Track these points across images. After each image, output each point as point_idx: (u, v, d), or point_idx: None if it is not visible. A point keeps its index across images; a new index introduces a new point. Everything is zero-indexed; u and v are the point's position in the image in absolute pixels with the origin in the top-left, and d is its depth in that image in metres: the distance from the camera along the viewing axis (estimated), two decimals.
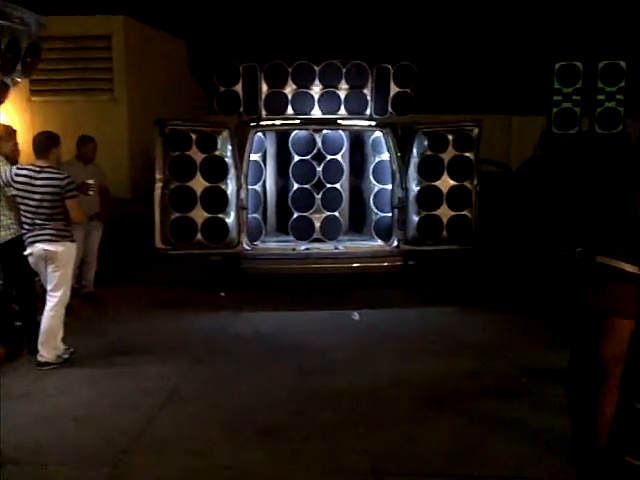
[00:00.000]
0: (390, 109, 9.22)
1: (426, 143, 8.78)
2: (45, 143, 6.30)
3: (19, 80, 6.73)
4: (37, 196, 6.14)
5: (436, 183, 8.80)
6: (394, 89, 9.19)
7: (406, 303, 8.73)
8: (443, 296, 9.00)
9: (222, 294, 8.98)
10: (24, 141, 6.91)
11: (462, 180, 8.84)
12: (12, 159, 6.84)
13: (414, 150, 8.77)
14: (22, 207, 6.24)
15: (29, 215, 6.21)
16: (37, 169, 6.20)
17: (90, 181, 6.89)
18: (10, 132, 6.86)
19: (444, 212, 8.81)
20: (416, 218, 8.82)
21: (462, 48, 18.25)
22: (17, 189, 6.21)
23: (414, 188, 8.82)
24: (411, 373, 6.25)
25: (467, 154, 8.83)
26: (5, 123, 7.16)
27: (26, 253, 6.28)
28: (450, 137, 8.80)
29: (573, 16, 17.28)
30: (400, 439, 4.98)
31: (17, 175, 6.20)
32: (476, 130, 8.85)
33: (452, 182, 8.82)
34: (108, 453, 4.71)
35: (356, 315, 8.08)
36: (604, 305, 1.92)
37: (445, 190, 8.80)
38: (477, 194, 8.91)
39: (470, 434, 5.05)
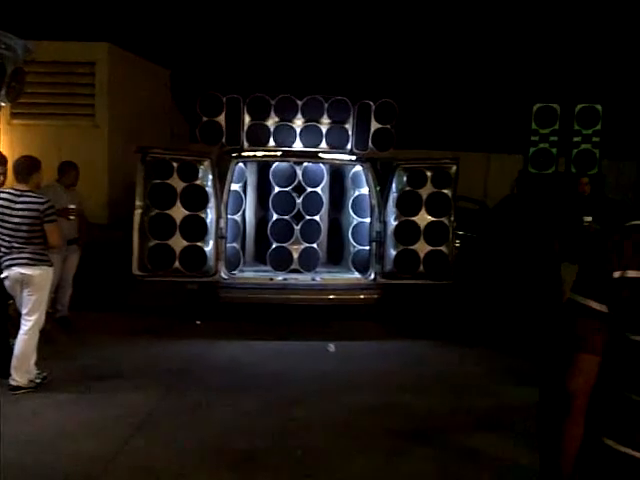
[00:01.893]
0: (371, 144, 9.35)
1: (405, 179, 8.89)
2: (27, 168, 6.30)
3: (3, 105, 6.73)
4: (16, 219, 6.12)
5: (414, 218, 8.89)
6: (375, 125, 9.33)
7: (382, 336, 8.78)
8: (419, 330, 9.06)
9: (198, 322, 8.98)
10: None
11: (439, 216, 8.93)
12: None
13: (393, 185, 8.87)
14: (0, 230, 6.23)
15: (7, 238, 6.18)
16: (17, 193, 6.19)
17: (72, 206, 6.99)
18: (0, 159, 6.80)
19: (421, 247, 8.89)
20: (393, 252, 8.89)
21: (443, 87, 18.55)
22: None
23: (392, 222, 8.91)
24: (386, 405, 6.26)
25: (445, 191, 8.94)
26: None
27: (2, 276, 6.26)
28: (428, 174, 8.91)
29: (552, 60, 17.65)
30: (376, 472, 4.96)
31: None
32: (454, 167, 8.97)
33: (430, 218, 8.91)
34: (79, 479, 4.66)
35: (331, 347, 8.09)
36: (571, 340, 1.97)
37: (422, 225, 8.89)
38: (454, 230, 9.03)
39: (444, 466, 5.04)
